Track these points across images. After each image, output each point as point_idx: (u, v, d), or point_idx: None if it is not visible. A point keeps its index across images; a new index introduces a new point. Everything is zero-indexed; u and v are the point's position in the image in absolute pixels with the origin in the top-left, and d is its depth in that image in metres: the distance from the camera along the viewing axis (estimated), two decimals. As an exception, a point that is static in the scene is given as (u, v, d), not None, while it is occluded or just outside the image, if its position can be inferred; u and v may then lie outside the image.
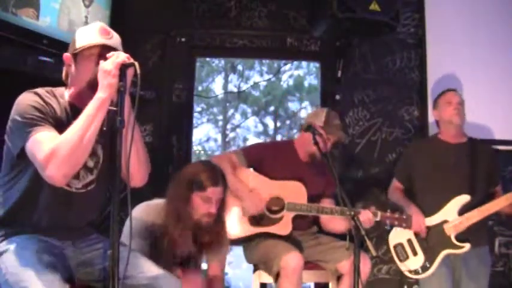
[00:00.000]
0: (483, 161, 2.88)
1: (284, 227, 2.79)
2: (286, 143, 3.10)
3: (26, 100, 1.74)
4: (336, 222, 2.85)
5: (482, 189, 2.85)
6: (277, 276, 2.60)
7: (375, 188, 3.57)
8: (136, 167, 1.78)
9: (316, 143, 2.72)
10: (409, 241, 2.85)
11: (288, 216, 2.80)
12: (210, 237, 2.27)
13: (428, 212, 2.84)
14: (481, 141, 3.05)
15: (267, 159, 2.90)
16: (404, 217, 2.76)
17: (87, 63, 1.79)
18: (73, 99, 1.85)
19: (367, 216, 2.64)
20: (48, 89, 1.84)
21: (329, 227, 2.92)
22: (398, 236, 2.90)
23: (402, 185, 3.03)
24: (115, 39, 1.85)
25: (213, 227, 2.27)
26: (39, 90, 1.80)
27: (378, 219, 2.71)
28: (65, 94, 1.86)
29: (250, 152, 2.94)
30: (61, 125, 1.74)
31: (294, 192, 2.83)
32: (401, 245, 2.87)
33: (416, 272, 2.81)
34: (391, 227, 2.86)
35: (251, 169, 2.93)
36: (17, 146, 1.70)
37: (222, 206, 2.31)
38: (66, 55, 1.85)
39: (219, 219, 2.30)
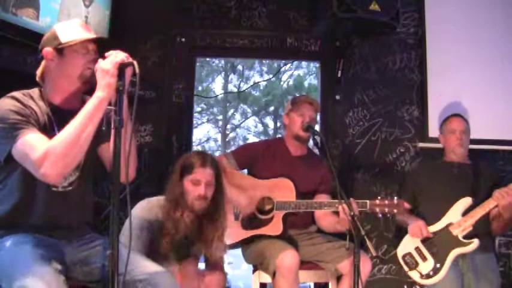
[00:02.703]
0: (486, 175, 2.93)
1: (275, 227, 2.79)
2: (277, 140, 3.12)
3: (5, 105, 1.72)
4: (327, 221, 2.79)
5: (485, 193, 2.83)
6: (274, 275, 2.59)
7: (374, 187, 3.58)
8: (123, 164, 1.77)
9: (316, 144, 2.73)
10: (417, 249, 2.84)
11: (278, 215, 2.80)
12: (214, 232, 2.32)
13: (432, 220, 2.85)
14: (484, 163, 3.06)
15: (258, 158, 2.92)
16: (395, 202, 2.61)
17: (77, 58, 1.78)
18: (54, 100, 1.84)
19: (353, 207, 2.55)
20: (25, 91, 1.82)
21: (322, 226, 2.88)
22: (406, 246, 2.89)
23: (409, 204, 3.01)
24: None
25: (216, 220, 2.33)
26: (16, 94, 1.78)
27: (368, 208, 2.60)
28: (44, 96, 1.84)
29: (240, 154, 2.96)
30: (43, 128, 1.73)
31: (283, 189, 2.82)
32: (409, 254, 2.86)
33: (428, 276, 2.77)
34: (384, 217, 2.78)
35: (244, 171, 2.96)
36: (4, 150, 1.68)
37: (221, 197, 2.37)
38: (48, 50, 1.81)
39: (221, 209, 2.35)
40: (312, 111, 2.91)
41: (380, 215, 2.64)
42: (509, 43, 3.67)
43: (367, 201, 2.61)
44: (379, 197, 2.65)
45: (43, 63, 1.85)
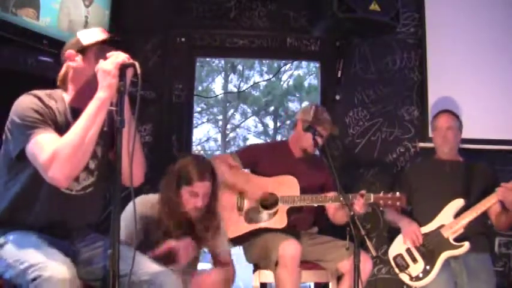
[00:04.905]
0: (481, 176, 2.91)
1: (280, 221, 2.83)
2: (280, 143, 3.20)
3: (26, 102, 1.73)
4: (342, 214, 2.82)
5: (478, 194, 2.82)
6: (276, 267, 2.61)
7: (374, 187, 3.57)
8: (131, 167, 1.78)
9: (316, 144, 2.74)
10: (408, 250, 2.83)
11: (282, 210, 2.83)
12: (207, 231, 2.33)
13: (424, 221, 2.84)
14: (481, 165, 3.02)
15: (261, 159, 2.96)
16: (398, 196, 2.70)
17: (99, 58, 1.79)
18: (74, 102, 1.85)
19: (358, 203, 2.64)
20: (48, 91, 1.83)
21: (337, 220, 2.90)
22: (397, 247, 2.88)
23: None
24: None
25: (207, 221, 2.34)
26: (39, 92, 1.79)
27: (372, 201, 2.69)
28: (65, 97, 1.86)
29: (244, 154, 3.01)
30: (60, 129, 1.74)
31: (287, 186, 2.86)
32: (400, 255, 2.85)
33: (417, 278, 2.76)
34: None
35: (247, 170, 3.00)
36: (17, 147, 1.70)
37: (214, 200, 2.37)
38: (70, 52, 1.84)
39: (212, 213, 2.36)
40: (328, 133, 2.92)
41: (381, 208, 2.75)
42: (509, 43, 3.66)
43: (371, 194, 2.70)
44: (382, 191, 2.73)
45: (65, 66, 1.88)
